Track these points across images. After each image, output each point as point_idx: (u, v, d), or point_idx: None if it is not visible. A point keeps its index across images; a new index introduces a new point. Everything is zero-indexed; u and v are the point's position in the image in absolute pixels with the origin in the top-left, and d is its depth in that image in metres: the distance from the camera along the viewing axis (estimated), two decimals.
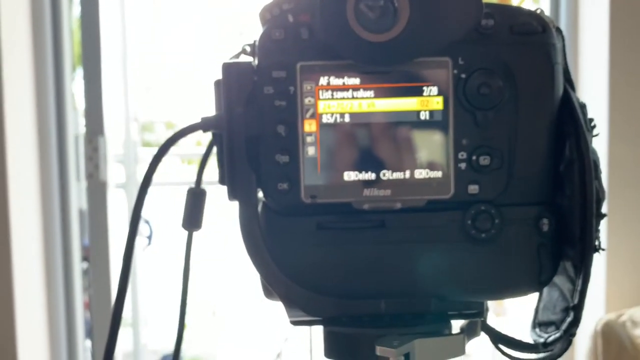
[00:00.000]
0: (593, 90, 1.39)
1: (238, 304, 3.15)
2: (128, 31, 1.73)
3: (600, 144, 1.33)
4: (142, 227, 2.71)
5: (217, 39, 4.05)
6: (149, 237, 2.74)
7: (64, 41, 1.51)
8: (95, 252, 1.53)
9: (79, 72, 1.56)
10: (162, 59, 3.95)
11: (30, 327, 1.45)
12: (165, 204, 2.97)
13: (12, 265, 1.37)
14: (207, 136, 0.43)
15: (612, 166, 1.31)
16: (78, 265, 1.58)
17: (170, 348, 2.61)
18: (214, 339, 2.98)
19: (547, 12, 1.48)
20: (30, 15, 1.46)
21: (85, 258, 1.69)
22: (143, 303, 2.22)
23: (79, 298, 1.58)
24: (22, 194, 1.43)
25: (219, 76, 0.41)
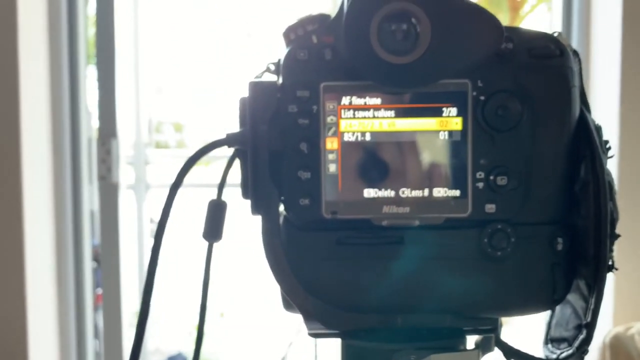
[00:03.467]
0: (604, 110, 1.40)
1: (246, 307, 3.15)
2: (141, 34, 1.75)
3: (610, 162, 1.33)
4: (151, 229, 2.72)
5: (225, 42, 4.07)
6: None
7: (79, 45, 1.53)
8: (106, 252, 1.55)
9: (91, 72, 1.57)
10: (173, 60, 3.97)
11: (41, 326, 1.47)
12: (175, 206, 2.98)
13: (24, 264, 1.39)
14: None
15: (621, 182, 1.31)
16: (89, 265, 1.60)
17: (175, 349, 2.63)
18: (221, 341, 2.99)
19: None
20: (46, 17, 1.48)
21: (94, 258, 1.70)
22: (150, 303, 2.23)
23: (89, 297, 1.60)
24: (36, 194, 1.44)
25: (235, 86, 0.42)
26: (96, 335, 1.73)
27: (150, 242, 2.68)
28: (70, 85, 1.53)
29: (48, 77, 1.49)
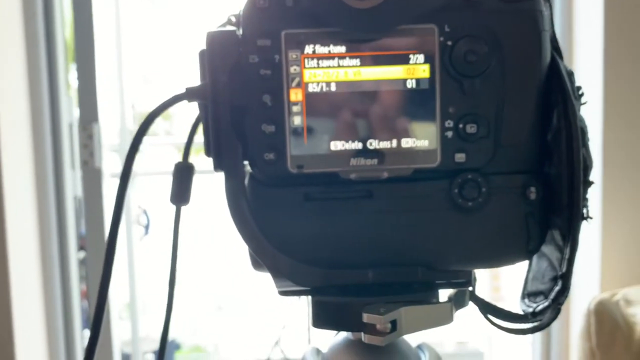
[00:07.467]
0: (588, 67, 1.39)
1: (242, 298, 3.16)
2: (122, 19, 1.73)
3: (595, 120, 1.33)
4: (140, 217, 2.71)
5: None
6: (146, 227, 2.74)
7: (56, 28, 1.51)
8: (92, 240, 1.53)
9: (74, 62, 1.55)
10: (160, 50, 3.94)
11: (27, 317, 1.46)
12: (162, 194, 2.97)
13: (7, 255, 1.37)
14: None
15: (607, 145, 1.30)
16: (74, 254, 1.58)
17: (169, 337, 2.61)
18: (219, 332, 3.00)
19: None
20: (22, 0, 1.45)
21: (81, 247, 1.69)
22: (141, 292, 2.23)
23: (76, 287, 1.58)
24: (16, 182, 1.42)
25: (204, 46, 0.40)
26: (85, 325, 1.72)
27: (139, 232, 2.67)
28: (48, 70, 1.50)
29: (25, 63, 1.47)
